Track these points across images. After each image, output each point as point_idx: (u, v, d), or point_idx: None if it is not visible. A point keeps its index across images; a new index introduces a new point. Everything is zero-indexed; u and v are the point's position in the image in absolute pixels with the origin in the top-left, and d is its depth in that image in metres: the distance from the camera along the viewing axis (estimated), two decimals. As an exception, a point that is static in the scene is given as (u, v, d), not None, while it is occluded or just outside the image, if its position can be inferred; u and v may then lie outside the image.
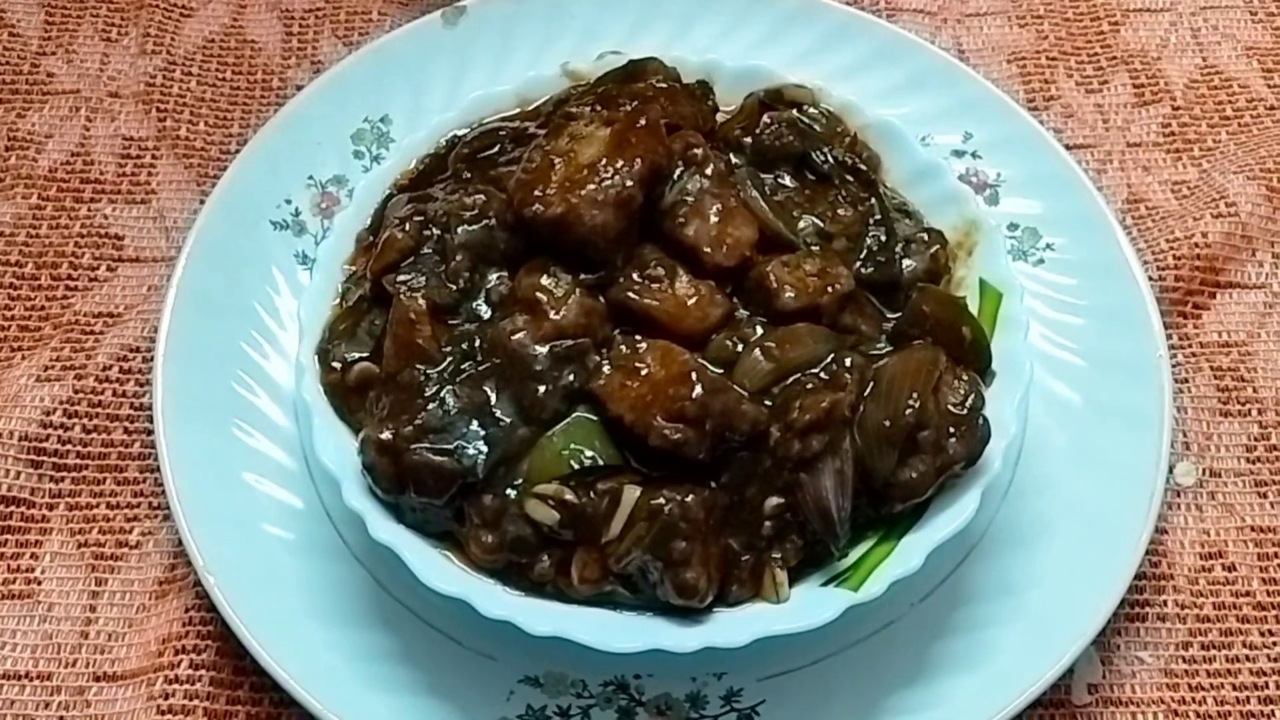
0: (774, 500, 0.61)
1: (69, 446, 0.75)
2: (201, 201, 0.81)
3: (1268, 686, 0.69)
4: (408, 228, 0.67)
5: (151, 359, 0.74)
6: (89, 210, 0.84)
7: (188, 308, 0.75)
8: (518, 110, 0.76)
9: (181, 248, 0.77)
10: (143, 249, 0.83)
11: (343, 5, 0.94)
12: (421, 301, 0.65)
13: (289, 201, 0.80)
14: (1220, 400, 0.78)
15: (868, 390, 0.63)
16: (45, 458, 0.74)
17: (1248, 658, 0.70)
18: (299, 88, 0.87)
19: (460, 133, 0.74)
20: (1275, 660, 0.70)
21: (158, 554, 0.72)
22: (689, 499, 0.60)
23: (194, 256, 0.76)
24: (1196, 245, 0.82)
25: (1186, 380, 0.79)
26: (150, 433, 0.73)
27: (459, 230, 0.66)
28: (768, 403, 0.62)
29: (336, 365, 0.66)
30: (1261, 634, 0.71)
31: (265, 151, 0.81)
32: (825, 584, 0.62)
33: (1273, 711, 0.69)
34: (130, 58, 0.91)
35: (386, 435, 0.62)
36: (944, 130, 0.84)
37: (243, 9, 0.94)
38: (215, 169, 0.86)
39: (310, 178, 0.81)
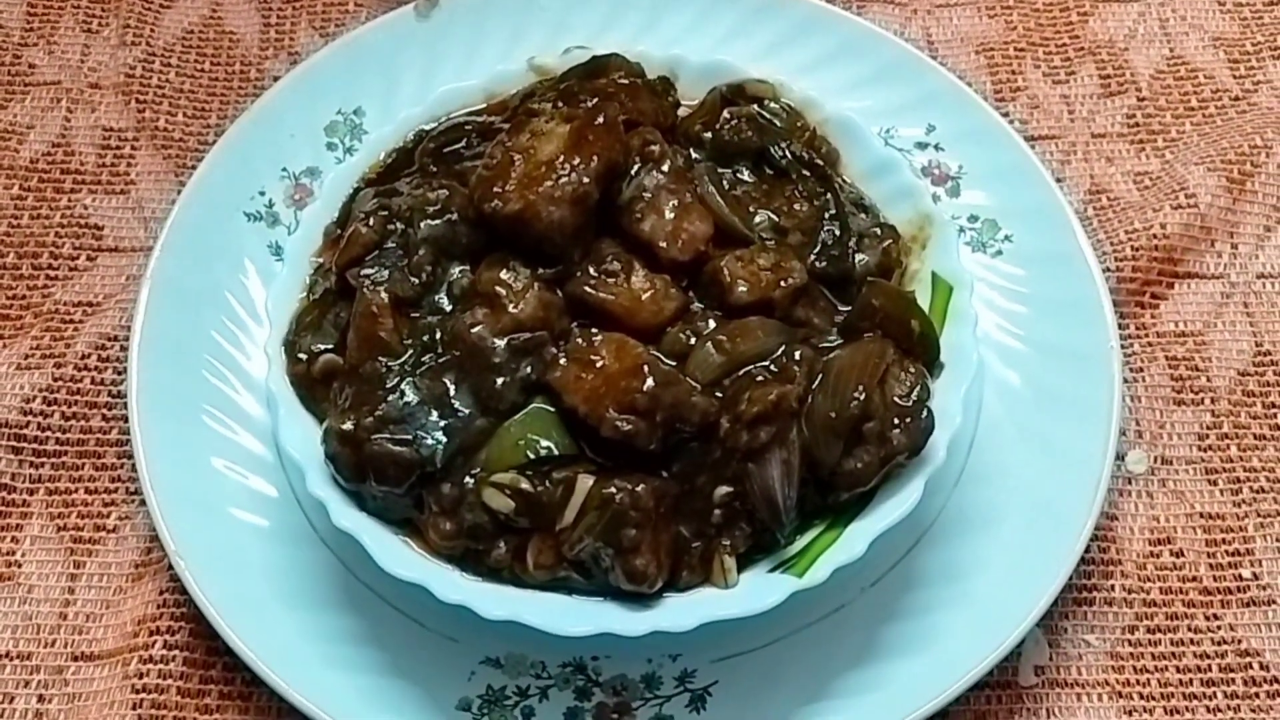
0: (723, 489, 0.63)
1: (48, 433, 0.77)
2: (179, 192, 0.82)
3: (1210, 669, 0.71)
4: (372, 222, 0.69)
5: (129, 347, 0.76)
6: (69, 200, 0.86)
7: (162, 298, 0.77)
8: (485, 104, 0.77)
9: (159, 238, 0.79)
10: (121, 239, 0.85)
11: (319, -4, 0.95)
12: (384, 295, 0.66)
13: (263, 193, 0.82)
14: (1174, 389, 0.80)
15: (816, 382, 0.64)
16: (25, 444, 0.76)
17: (1192, 641, 0.72)
18: (276, 79, 0.88)
19: (427, 127, 0.76)
20: (1219, 644, 0.72)
21: (134, 538, 0.74)
22: (639, 488, 0.62)
23: (168, 247, 0.78)
24: (1155, 236, 0.83)
25: (1141, 369, 0.80)
26: (127, 419, 0.75)
27: (422, 225, 0.68)
28: (718, 395, 0.64)
29: (302, 356, 0.68)
30: (1206, 618, 0.73)
31: (240, 143, 0.83)
32: (772, 570, 0.64)
33: (1215, 694, 0.70)
34: (110, 49, 0.93)
35: (348, 426, 0.64)
36: (908, 123, 0.85)
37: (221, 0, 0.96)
38: (193, 159, 0.87)
39: (284, 169, 0.83)
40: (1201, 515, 0.76)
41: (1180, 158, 0.88)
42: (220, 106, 0.90)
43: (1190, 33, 0.94)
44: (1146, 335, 0.82)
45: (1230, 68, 0.93)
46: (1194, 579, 0.74)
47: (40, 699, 0.70)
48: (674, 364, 0.65)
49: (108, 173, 0.87)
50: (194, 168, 0.83)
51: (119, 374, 0.79)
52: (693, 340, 0.65)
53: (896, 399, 0.65)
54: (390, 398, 0.64)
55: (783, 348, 0.65)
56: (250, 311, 0.78)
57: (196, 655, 0.70)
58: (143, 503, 0.74)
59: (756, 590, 0.63)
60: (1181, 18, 0.95)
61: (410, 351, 0.66)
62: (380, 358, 0.65)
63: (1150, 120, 0.91)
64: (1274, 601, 0.73)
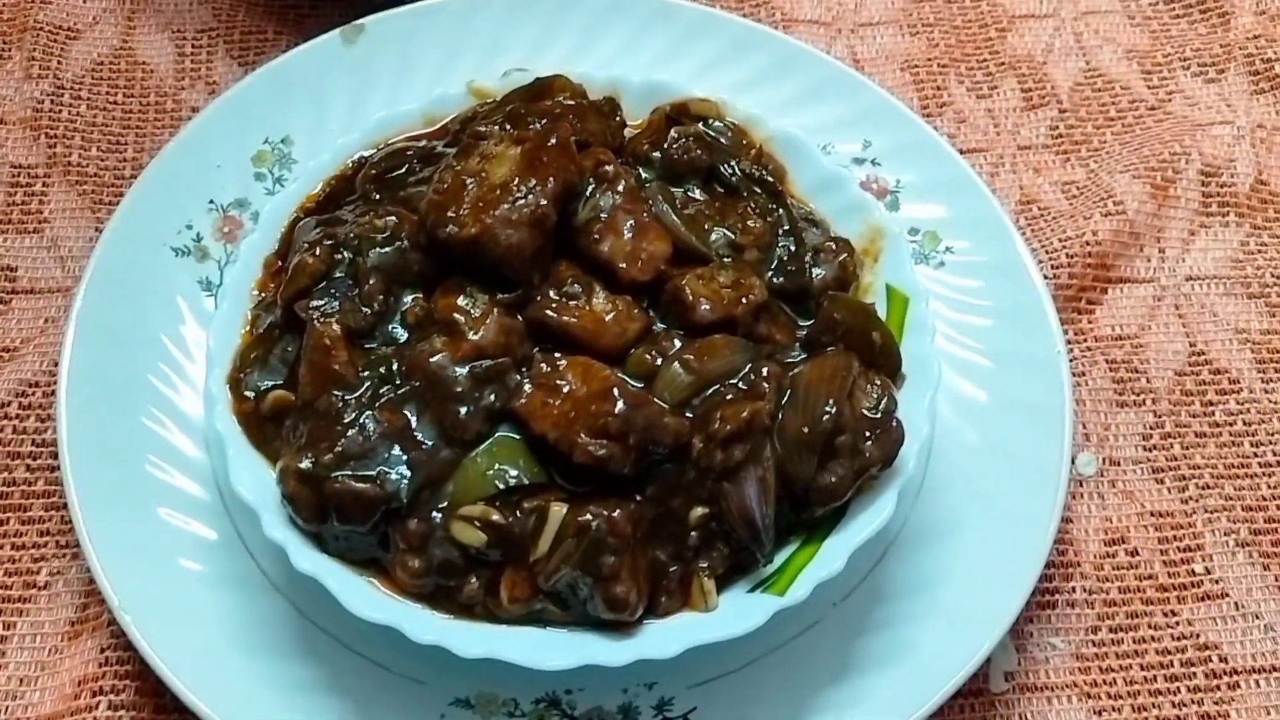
0: (699, 510, 0.62)
1: (-32, 488, 0.73)
2: (97, 229, 0.79)
3: (1172, 665, 0.72)
4: (318, 252, 0.66)
5: (53, 393, 0.72)
6: (-21, 242, 0.82)
7: (88, 340, 0.73)
8: (424, 129, 0.75)
9: (79, 278, 0.75)
10: (37, 280, 0.81)
11: (237, 25, 0.93)
12: (336, 327, 0.64)
13: (190, 227, 0.79)
14: (1116, 392, 0.81)
15: (785, 398, 0.64)
16: (-56, 500, 0.72)
17: (1153, 638, 0.73)
18: (195, 110, 0.86)
19: (366, 154, 0.74)
20: (1178, 640, 0.73)
21: (68, 594, 0.70)
22: (616, 514, 0.60)
23: (93, 286, 0.74)
24: (1087, 243, 0.85)
25: (1084, 374, 0.82)
26: (55, 469, 0.71)
27: (371, 253, 0.66)
28: (689, 414, 0.63)
29: (249, 394, 0.65)
30: (1165, 614, 0.74)
31: (163, 176, 0.79)
32: (752, 590, 0.63)
33: (1178, 689, 0.72)
34: (15, 83, 0.88)
35: (306, 464, 0.61)
36: (844, 139, 0.85)
37: (131, 30, 0.92)
38: (110, 195, 0.84)
39: (211, 201, 0.80)
40: (1152, 514, 0.77)
41: (1105, 166, 0.90)
42: (137, 140, 0.87)
43: (1104, 45, 0.97)
44: (1086, 340, 0.83)
45: (1144, 79, 0.96)
46: (1150, 576, 0.75)
47: (-27, 773, 0.65)
48: (641, 385, 0.63)
49: (19, 211, 0.83)
50: (112, 204, 0.80)
51: (42, 422, 0.75)
52: (659, 360, 0.64)
53: (865, 411, 0.64)
54: (349, 433, 0.61)
55: (750, 364, 0.64)
56: (183, 350, 0.75)
57: (144, 714, 0.66)
58: (75, 555, 0.70)
59: (739, 611, 0.62)
60: (1095, 31, 0.98)
61: (367, 384, 0.63)
62: (335, 392, 0.63)
63: (1073, 131, 0.93)
64: (1227, 594, 0.74)
